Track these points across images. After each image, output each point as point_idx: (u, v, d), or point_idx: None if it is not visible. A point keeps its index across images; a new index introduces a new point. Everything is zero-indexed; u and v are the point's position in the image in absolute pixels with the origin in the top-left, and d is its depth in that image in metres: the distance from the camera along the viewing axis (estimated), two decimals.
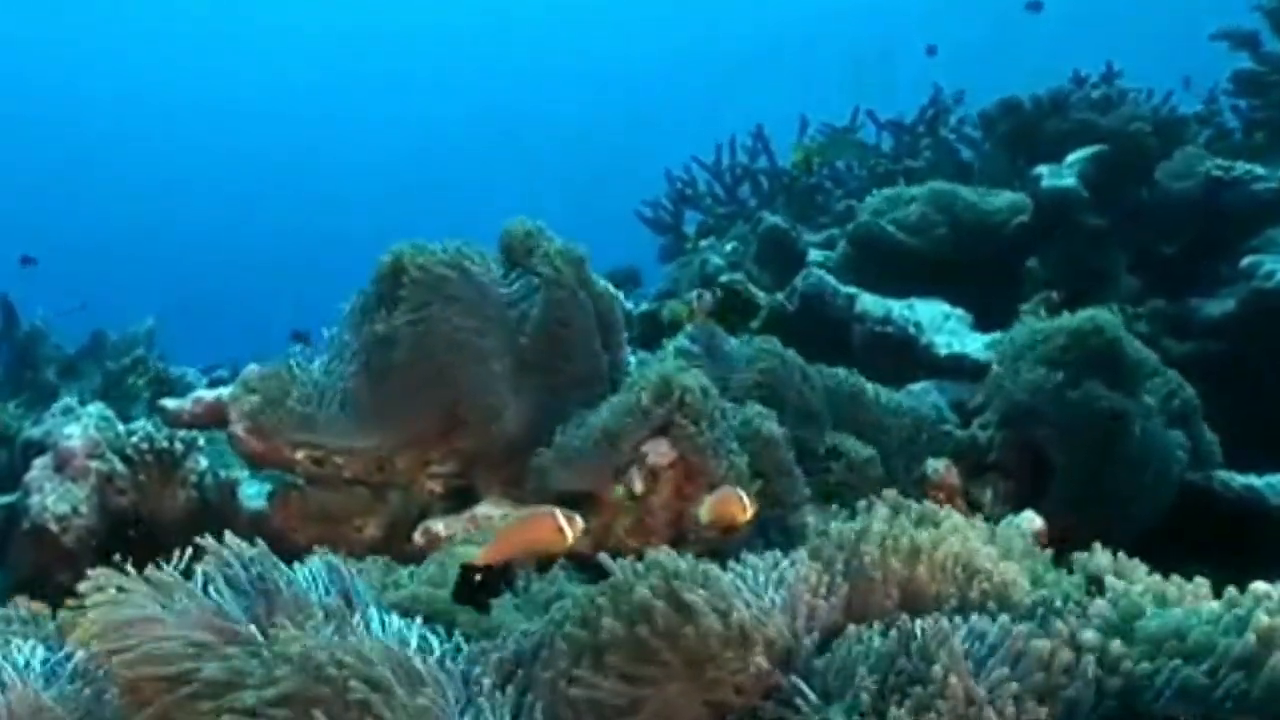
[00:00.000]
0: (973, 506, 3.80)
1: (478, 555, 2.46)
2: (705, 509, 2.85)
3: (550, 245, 3.54)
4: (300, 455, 3.36)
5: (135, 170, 27.72)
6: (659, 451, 3.07)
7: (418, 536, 3.24)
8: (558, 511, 2.38)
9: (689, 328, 3.88)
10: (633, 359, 3.78)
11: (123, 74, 28.72)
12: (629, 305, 3.94)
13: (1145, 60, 7.65)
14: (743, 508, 2.79)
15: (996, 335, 4.77)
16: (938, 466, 3.49)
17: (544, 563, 2.72)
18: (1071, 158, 5.95)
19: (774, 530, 3.16)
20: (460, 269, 3.39)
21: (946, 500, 3.33)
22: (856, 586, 1.96)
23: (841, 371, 3.94)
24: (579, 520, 2.38)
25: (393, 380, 3.40)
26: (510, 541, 2.46)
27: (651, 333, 4.85)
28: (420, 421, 3.41)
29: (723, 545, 2.81)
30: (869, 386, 3.95)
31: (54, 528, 3.55)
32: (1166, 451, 4.23)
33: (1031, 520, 3.02)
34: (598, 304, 3.53)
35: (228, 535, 2.05)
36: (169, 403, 3.77)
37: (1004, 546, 2.10)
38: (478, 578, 2.41)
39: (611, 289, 3.67)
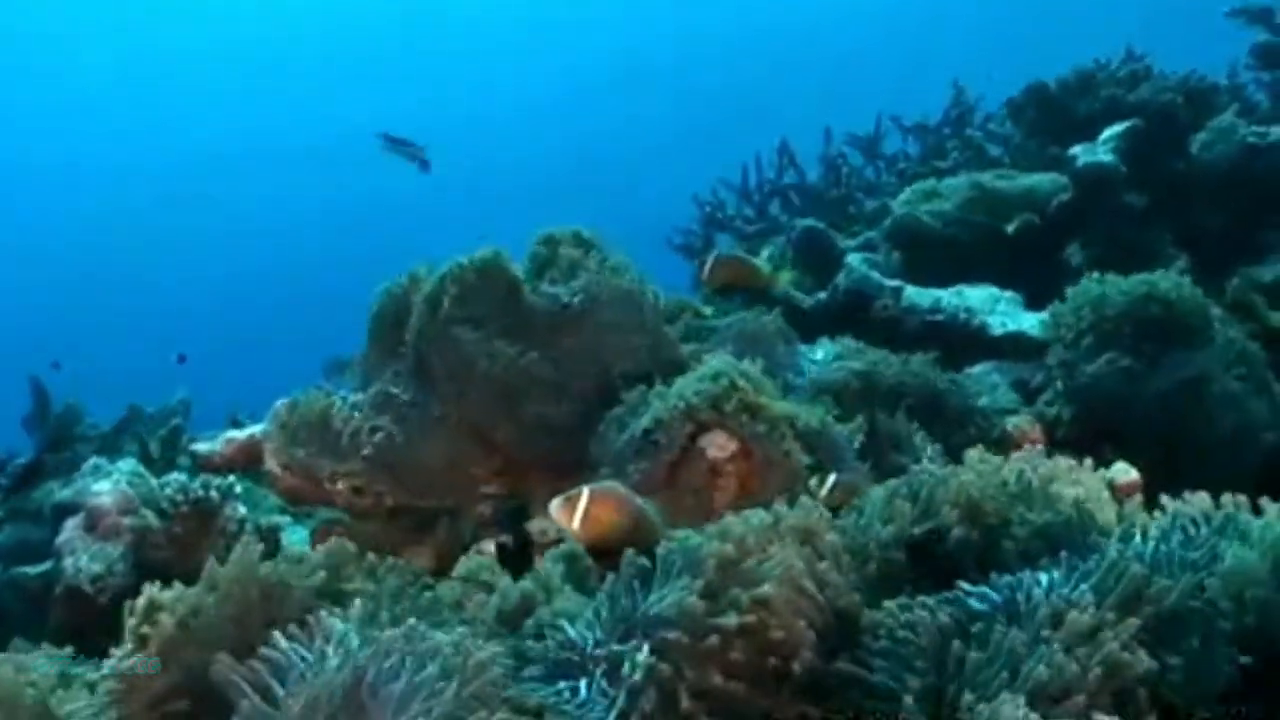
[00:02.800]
0: None
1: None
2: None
3: (583, 249, 3.43)
4: (340, 487, 3.20)
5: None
6: (718, 444, 2.88)
7: None
8: (553, 503, 2.26)
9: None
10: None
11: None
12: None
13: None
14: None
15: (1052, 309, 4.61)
16: (1018, 422, 3.29)
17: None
18: (1105, 134, 5.79)
19: None
20: (490, 278, 3.27)
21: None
22: None
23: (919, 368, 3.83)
24: (580, 502, 2.20)
25: (436, 399, 3.29)
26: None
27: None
28: (466, 437, 3.28)
29: None
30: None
31: (88, 589, 3.39)
32: (1243, 414, 4.05)
33: (1126, 472, 2.83)
34: (638, 299, 3.39)
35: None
36: (200, 446, 3.63)
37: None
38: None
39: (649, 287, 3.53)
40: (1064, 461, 2.02)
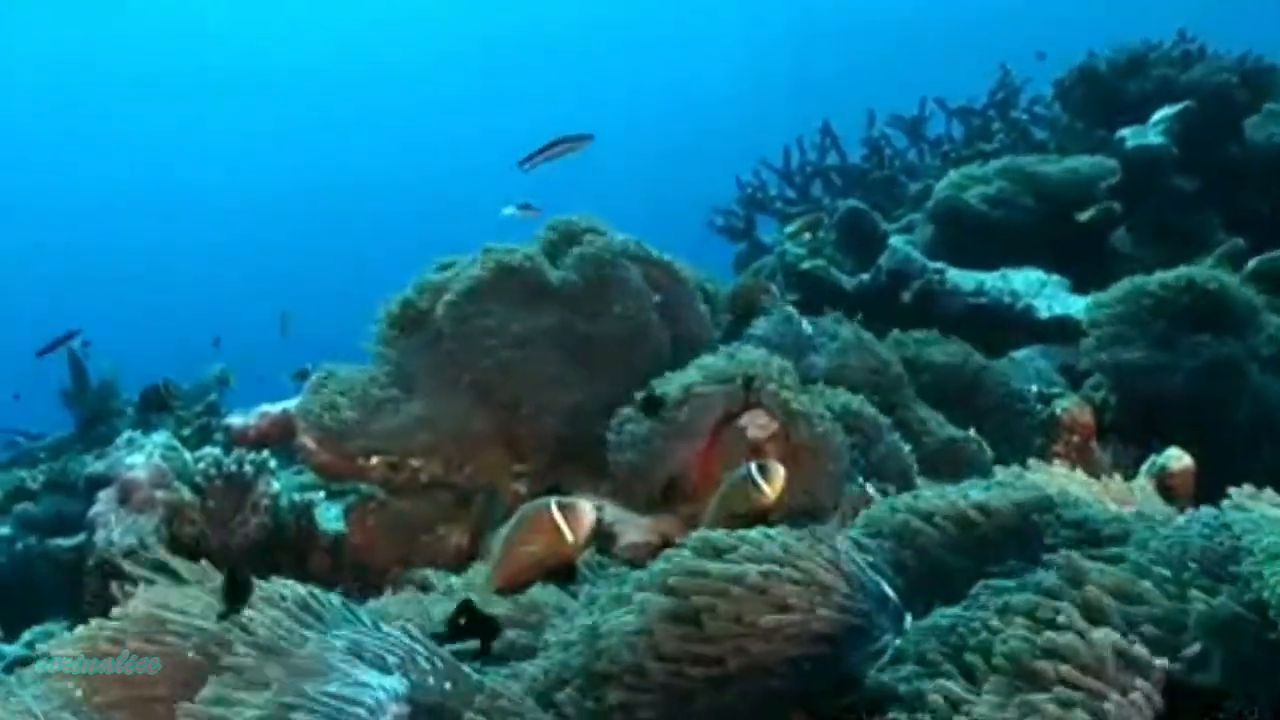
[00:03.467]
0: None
1: (489, 582, 2.19)
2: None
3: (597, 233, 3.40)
4: (375, 462, 3.15)
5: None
6: (758, 424, 2.81)
7: None
8: (554, 508, 2.05)
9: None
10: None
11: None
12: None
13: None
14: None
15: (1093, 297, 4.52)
16: (1068, 406, 3.20)
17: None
18: (1156, 116, 5.67)
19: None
20: (501, 267, 3.23)
21: (1081, 443, 3.07)
22: None
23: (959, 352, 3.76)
24: (584, 512, 2.05)
25: (443, 383, 3.25)
26: (515, 561, 2.10)
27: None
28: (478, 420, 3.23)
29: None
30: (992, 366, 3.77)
31: (121, 562, 3.36)
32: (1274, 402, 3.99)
33: (1179, 458, 2.75)
34: (661, 278, 3.34)
35: None
36: (234, 420, 3.58)
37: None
38: (462, 621, 2.08)
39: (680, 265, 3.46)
40: (1080, 475, 1.94)
